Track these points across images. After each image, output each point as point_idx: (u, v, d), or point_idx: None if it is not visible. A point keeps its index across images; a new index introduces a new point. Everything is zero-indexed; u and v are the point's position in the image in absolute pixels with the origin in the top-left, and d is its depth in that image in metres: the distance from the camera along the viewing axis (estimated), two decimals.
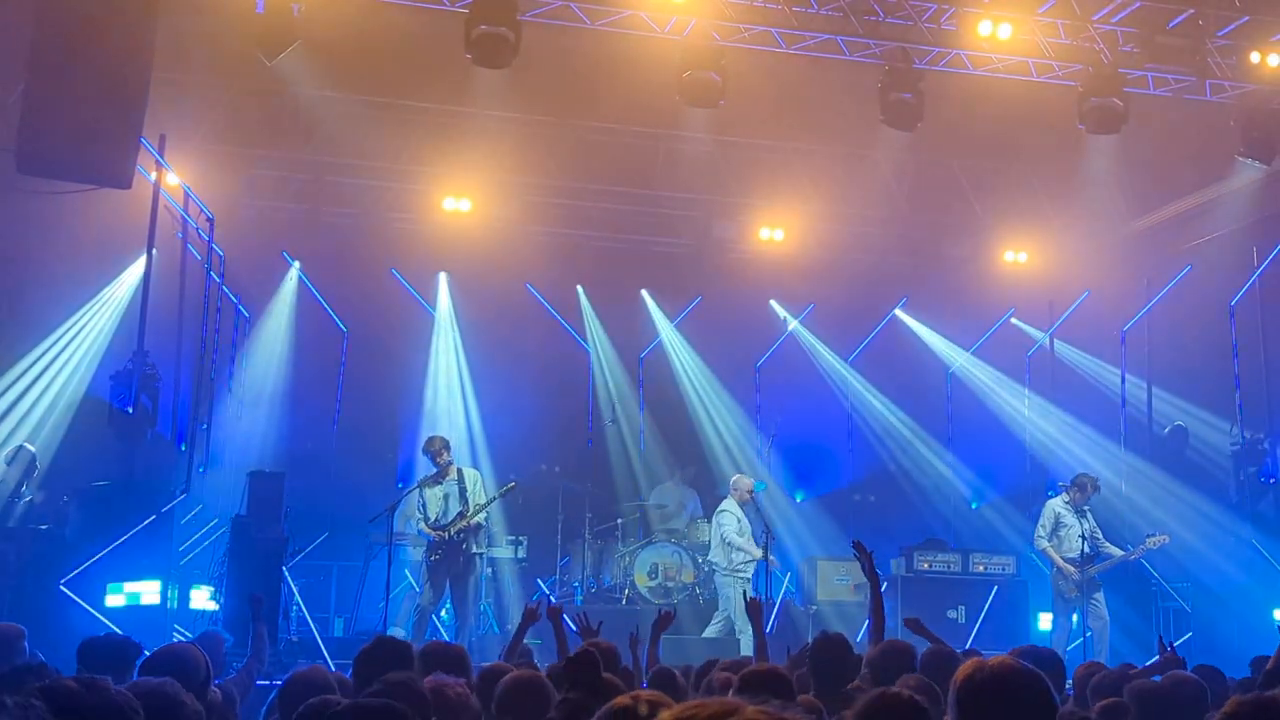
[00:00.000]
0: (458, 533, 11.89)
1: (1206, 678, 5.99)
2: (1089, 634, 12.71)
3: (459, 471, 12.26)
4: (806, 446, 17.29)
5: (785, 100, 14.36)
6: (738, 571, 13.07)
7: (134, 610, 10.96)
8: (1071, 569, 12.51)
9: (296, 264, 16.18)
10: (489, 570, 14.09)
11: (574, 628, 7.41)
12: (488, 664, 5.97)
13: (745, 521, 13.28)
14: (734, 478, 13.88)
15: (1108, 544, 12.87)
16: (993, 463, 17.03)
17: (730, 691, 4.90)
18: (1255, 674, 7.09)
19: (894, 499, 15.67)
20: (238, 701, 6.28)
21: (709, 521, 14.57)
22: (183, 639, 9.76)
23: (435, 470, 12.23)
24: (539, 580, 14.34)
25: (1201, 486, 14.88)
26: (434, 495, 12.09)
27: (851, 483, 16.97)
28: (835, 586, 14.24)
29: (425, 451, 12.39)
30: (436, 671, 4.94)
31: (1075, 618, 12.75)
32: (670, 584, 13.67)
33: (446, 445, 12.42)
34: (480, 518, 12.16)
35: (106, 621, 10.15)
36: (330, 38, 12.51)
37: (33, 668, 5.43)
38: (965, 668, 3.23)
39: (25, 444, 12.63)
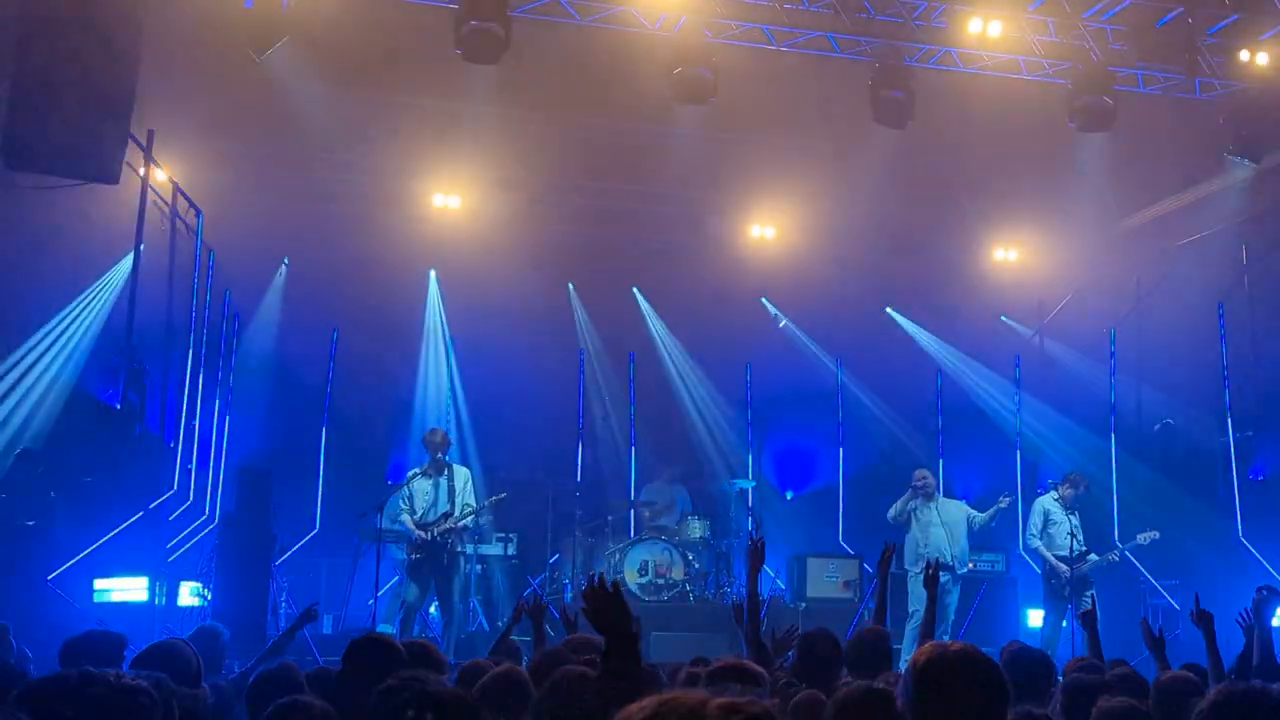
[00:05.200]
0: (442, 533, 11.85)
1: (1198, 676, 6.00)
2: (1078, 630, 12.71)
3: (450, 468, 12.22)
4: (796, 444, 17.29)
5: (776, 97, 14.34)
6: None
7: (121, 607, 10.93)
8: (1064, 566, 12.51)
9: (286, 260, 16.13)
10: (479, 567, 14.07)
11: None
12: (469, 661, 5.95)
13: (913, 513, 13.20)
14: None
15: (1093, 554, 12.88)
16: (982, 460, 17.04)
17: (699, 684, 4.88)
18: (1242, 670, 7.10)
19: (883, 496, 15.61)
20: (233, 700, 6.23)
21: (698, 518, 14.55)
22: (173, 636, 9.71)
23: (428, 463, 12.19)
24: (529, 577, 14.32)
25: (1190, 484, 14.91)
26: (422, 489, 12.05)
27: (841, 480, 16.96)
28: (824, 584, 14.23)
29: (426, 442, 12.34)
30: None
31: (1066, 616, 12.75)
32: (660, 581, 13.65)
33: (448, 442, 12.39)
34: (467, 520, 12.13)
35: (93, 618, 10.11)
36: (319, 33, 12.48)
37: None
38: (923, 651, 3.34)
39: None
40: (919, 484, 13.16)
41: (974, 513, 13.27)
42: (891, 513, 13.14)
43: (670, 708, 2.05)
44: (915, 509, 13.06)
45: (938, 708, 3.19)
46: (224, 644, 7.36)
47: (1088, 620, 7.42)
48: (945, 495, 14.02)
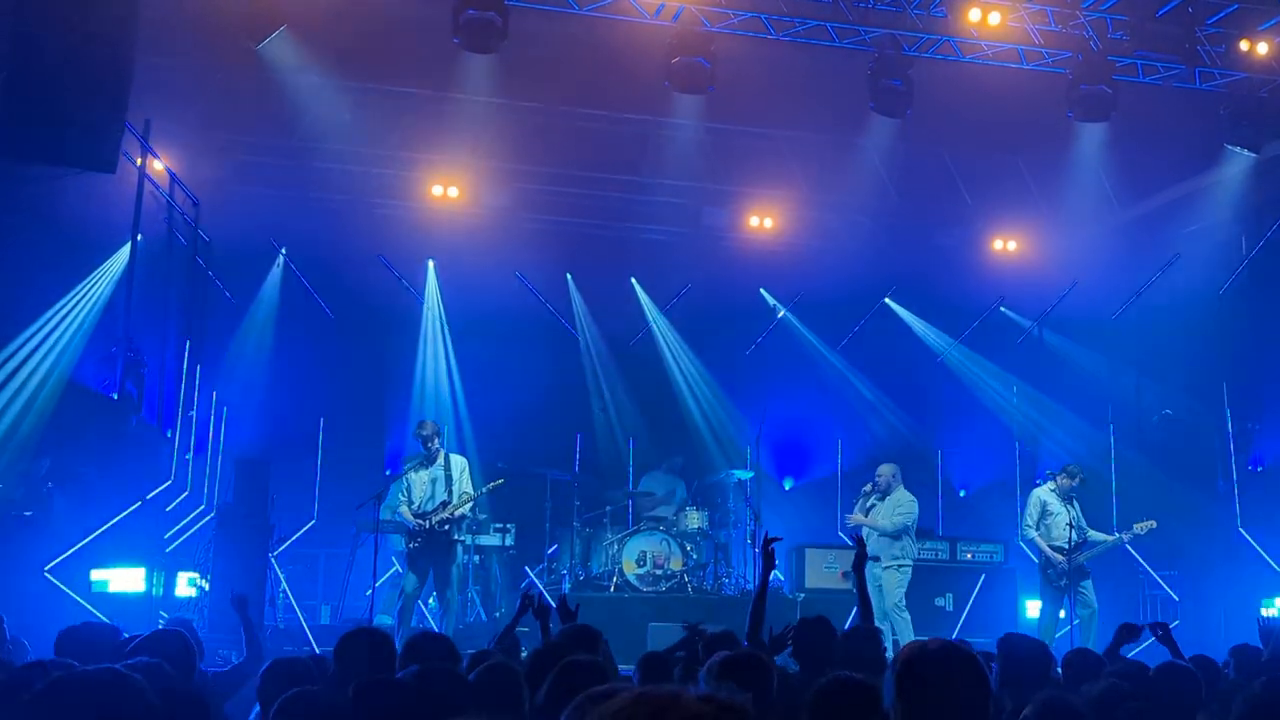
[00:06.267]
0: (440, 523, 11.84)
1: (1200, 667, 6.00)
2: (1076, 622, 12.71)
3: (446, 458, 12.20)
4: (795, 435, 17.27)
5: (774, 87, 14.30)
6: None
7: (118, 598, 10.92)
8: (1060, 557, 12.49)
9: (283, 250, 16.10)
10: (477, 558, 14.06)
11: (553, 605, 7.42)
12: (476, 651, 5.95)
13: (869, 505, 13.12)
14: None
15: (1093, 530, 12.84)
16: (981, 451, 17.03)
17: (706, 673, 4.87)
18: (1239, 661, 7.11)
19: None
20: (223, 696, 6.24)
21: (696, 509, 14.54)
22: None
23: (422, 454, 12.18)
24: (527, 568, 14.30)
25: (1189, 475, 14.90)
26: (419, 480, 12.03)
27: (839, 471, 16.94)
28: (823, 574, 14.23)
29: (416, 435, 12.33)
30: (424, 661, 4.93)
31: (1064, 606, 12.73)
32: (658, 572, 13.63)
33: (438, 432, 12.37)
34: (465, 509, 12.11)
35: (90, 608, 10.11)
36: (317, 22, 12.45)
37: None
38: (904, 650, 3.37)
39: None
40: (867, 488, 13.17)
41: (896, 510, 13.17)
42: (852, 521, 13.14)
43: (645, 702, 2.01)
44: (872, 508, 13.03)
45: (921, 704, 3.19)
46: (196, 634, 7.39)
47: (1162, 631, 7.37)
48: (946, 486, 14.01)
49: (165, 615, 10.06)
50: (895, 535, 12.65)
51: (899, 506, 12.84)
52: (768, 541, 7.08)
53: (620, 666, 6.79)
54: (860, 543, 7.32)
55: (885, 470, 13.09)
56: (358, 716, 3.87)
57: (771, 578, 13.44)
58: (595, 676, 4.19)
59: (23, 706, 3.20)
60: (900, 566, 12.57)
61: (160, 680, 4.10)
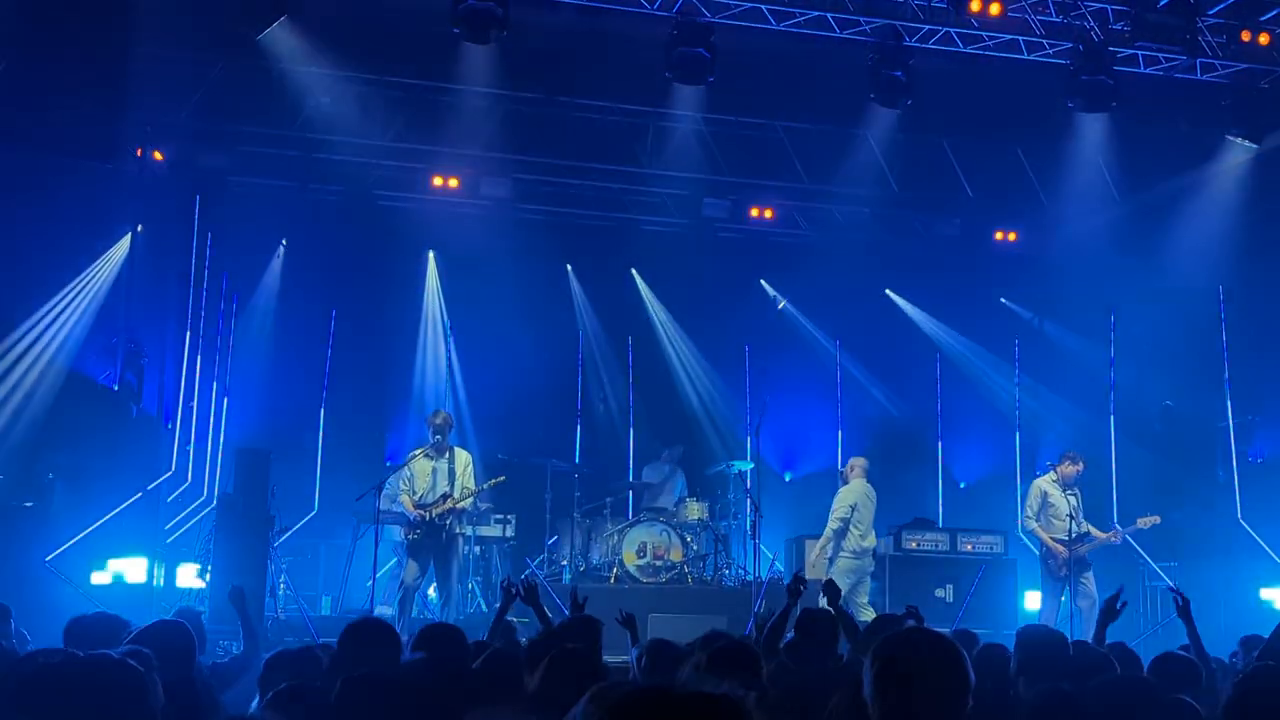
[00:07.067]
0: (440, 515, 11.84)
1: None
2: (1075, 612, 12.71)
3: (452, 451, 12.20)
4: (795, 426, 17.26)
5: (775, 78, 14.30)
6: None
7: (119, 588, 10.94)
8: (1061, 549, 12.49)
9: (283, 241, 16.09)
10: (477, 549, 14.06)
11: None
12: (472, 642, 5.96)
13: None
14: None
15: (1088, 525, 12.84)
16: (981, 442, 17.02)
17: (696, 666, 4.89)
18: (1247, 652, 7.14)
19: (882, 479, 15.64)
20: (221, 687, 6.25)
21: (697, 500, 14.54)
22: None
23: (430, 444, 12.16)
24: (527, 559, 14.31)
25: (1190, 466, 14.90)
26: (423, 470, 12.02)
27: (839, 462, 16.94)
28: (823, 565, 14.22)
29: (428, 423, 12.31)
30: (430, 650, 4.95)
31: (1064, 597, 12.74)
32: (659, 562, 13.63)
33: (450, 424, 12.36)
34: (466, 503, 12.11)
35: (91, 599, 10.12)
36: (317, 13, 12.44)
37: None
38: (882, 637, 3.35)
39: None
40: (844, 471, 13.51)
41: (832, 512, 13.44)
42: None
43: (645, 695, 2.05)
44: None
45: (898, 691, 3.15)
46: (202, 625, 7.39)
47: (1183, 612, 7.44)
48: (946, 477, 14.05)
49: (179, 605, 10.05)
50: (836, 536, 13.05)
51: (833, 507, 13.15)
52: (798, 581, 7.22)
53: (621, 657, 6.82)
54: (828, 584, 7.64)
55: (849, 464, 13.52)
56: (342, 709, 3.87)
57: (772, 571, 13.58)
58: (587, 665, 4.21)
59: (15, 689, 3.21)
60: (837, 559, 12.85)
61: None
